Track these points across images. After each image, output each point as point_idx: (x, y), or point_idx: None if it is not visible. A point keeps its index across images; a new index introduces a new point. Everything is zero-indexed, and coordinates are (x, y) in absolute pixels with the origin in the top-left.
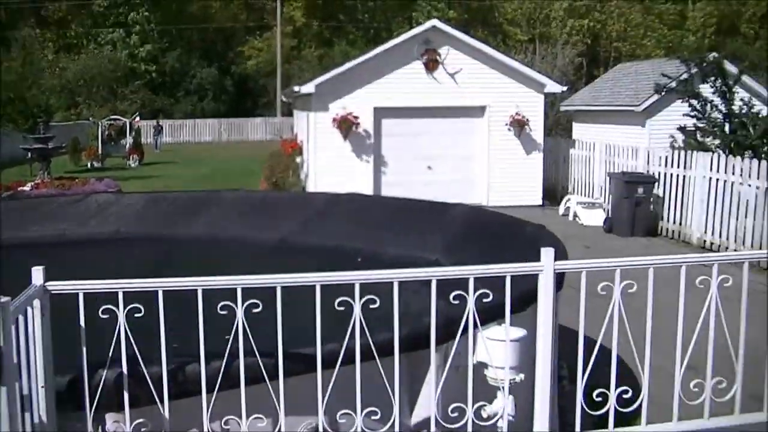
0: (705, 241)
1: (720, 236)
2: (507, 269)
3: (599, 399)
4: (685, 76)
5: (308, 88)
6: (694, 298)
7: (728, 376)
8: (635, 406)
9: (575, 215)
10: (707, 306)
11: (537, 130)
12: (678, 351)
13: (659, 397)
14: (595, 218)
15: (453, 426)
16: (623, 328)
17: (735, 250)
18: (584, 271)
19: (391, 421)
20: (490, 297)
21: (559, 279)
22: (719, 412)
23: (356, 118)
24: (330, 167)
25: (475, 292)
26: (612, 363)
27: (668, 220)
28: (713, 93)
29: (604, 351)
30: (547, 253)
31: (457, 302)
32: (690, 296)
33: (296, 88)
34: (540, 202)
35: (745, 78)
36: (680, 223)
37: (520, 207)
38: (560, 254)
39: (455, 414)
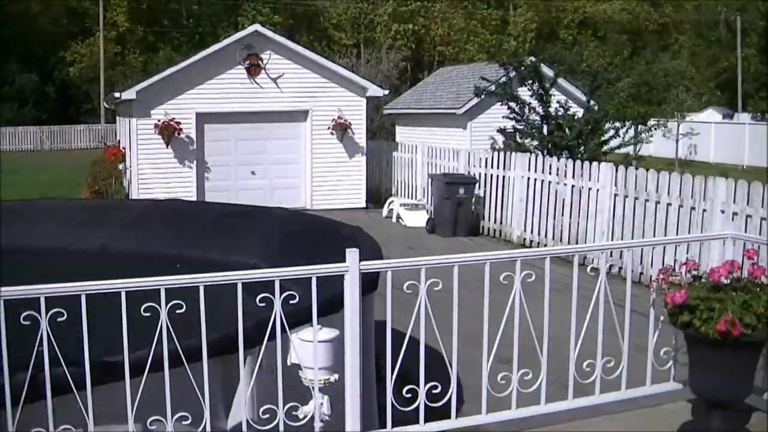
0: (525, 239)
1: (539, 234)
2: (312, 270)
3: (409, 395)
4: (504, 79)
5: (129, 94)
6: (504, 294)
7: (535, 368)
8: (446, 400)
9: (399, 217)
10: (511, 301)
11: (360, 133)
12: (485, 345)
13: (475, 390)
14: (418, 219)
15: (267, 427)
16: (444, 324)
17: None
18: (389, 270)
19: (203, 424)
20: (297, 299)
21: (372, 279)
22: (527, 402)
23: (178, 124)
24: (153, 174)
25: (291, 294)
26: (420, 359)
27: (489, 220)
28: (531, 96)
29: (424, 348)
30: (351, 254)
31: (263, 305)
32: (499, 291)
33: (117, 95)
34: (364, 205)
35: (562, 81)
36: (501, 222)
37: (344, 210)
38: (375, 255)
39: (267, 415)
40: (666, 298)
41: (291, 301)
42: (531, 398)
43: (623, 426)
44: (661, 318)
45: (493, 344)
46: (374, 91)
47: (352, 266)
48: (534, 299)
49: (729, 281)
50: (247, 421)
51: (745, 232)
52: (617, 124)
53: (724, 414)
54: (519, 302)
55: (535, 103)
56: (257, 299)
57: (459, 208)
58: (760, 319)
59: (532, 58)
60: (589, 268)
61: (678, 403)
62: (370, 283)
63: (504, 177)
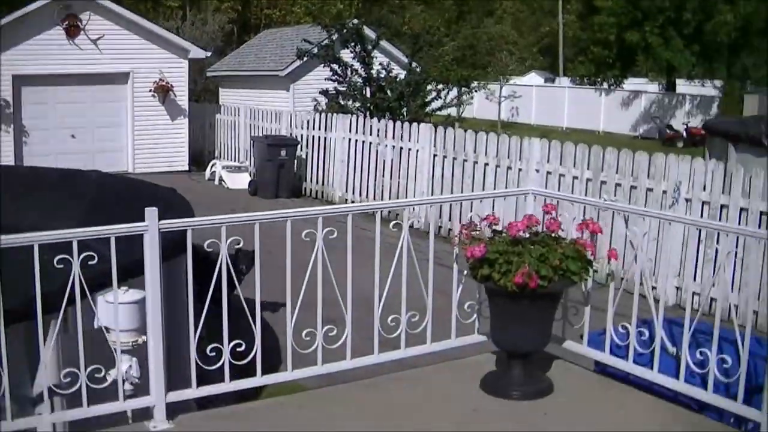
0: (347, 199)
1: (360, 194)
2: (111, 230)
3: (213, 354)
4: (327, 41)
5: None
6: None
7: (342, 324)
8: (250, 357)
9: (221, 179)
10: (314, 257)
11: (182, 96)
12: (288, 302)
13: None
14: (240, 182)
15: (70, 391)
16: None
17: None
18: (190, 229)
19: (1, 392)
20: (96, 259)
21: (179, 239)
22: (333, 358)
23: None
24: None
25: (90, 255)
26: (223, 318)
27: (312, 181)
28: (353, 58)
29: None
30: (150, 213)
31: (61, 266)
32: (309, 250)
33: None
34: (187, 168)
35: (385, 44)
36: (323, 183)
37: (166, 173)
38: (185, 215)
39: (68, 379)
40: (466, 252)
41: (90, 262)
42: (339, 353)
43: (429, 378)
44: (465, 272)
45: (297, 301)
46: (196, 53)
47: (151, 225)
48: (341, 256)
49: (528, 235)
50: (52, 386)
51: (559, 190)
52: (440, 86)
53: (524, 363)
54: (322, 259)
55: (357, 65)
56: (54, 261)
57: (281, 170)
58: (556, 271)
59: (355, 21)
60: (392, 224)
61: (483, 355)
62: (177, 243)
63: (326, 138)
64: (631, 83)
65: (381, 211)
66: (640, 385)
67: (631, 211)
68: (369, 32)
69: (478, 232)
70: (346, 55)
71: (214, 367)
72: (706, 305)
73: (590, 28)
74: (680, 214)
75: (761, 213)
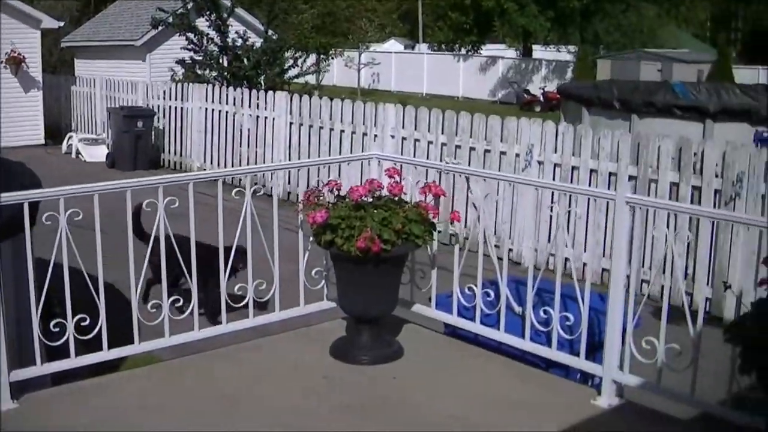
0: (205, 169)
1: (219, 164)
2: None
3: (57, 329)
4: (182, 10)
5: None
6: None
7: (188, 295)
8: (95, 332)
9: (78, 152)
10: (156, 226)
11: (35, 67)
12: (131, 274)
13: (148, 320)
14: (98, 154)
15: None
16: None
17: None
18: (27, 202)
19: None
20: None
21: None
22: (184, 329)
23: None
24: None
25: None
26: (65, 292)
27: (170, 152)
28: (209, 26)
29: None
30: None
31: None
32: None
33: None
34: (42, 141)
35: (241, 12)
36: (181, 154)
37: (21, 147)
38: (32, 188)
39: None
40: (308, 218)
41: None
42: (190, 324)
43: (279, 346)
44: (311, 238)
45: (140, 273)
46: (49, 23)
47: None
48: (186, 225)
49: (371, 200)
50: None
51: (414, 155)
52: (297, 54)
53: (372, 328)
54: (164, 227)
55: (213, 33)
56: None
57: (138, 141)
58: (399, 235)
59: None
60: (234, 192)
61: (332, 321)
62: (16, 218)
63: (182, 108)
64: (489, 49)
65: (224, 179)
66: (490, 346)
67: (471, 173)
68: (224, 0)
69: (321, 198)
70: (202, 23)
71: (58, 343)
72: (561, 265)
73: None
74: (532, 177)
75: (610, 173)
